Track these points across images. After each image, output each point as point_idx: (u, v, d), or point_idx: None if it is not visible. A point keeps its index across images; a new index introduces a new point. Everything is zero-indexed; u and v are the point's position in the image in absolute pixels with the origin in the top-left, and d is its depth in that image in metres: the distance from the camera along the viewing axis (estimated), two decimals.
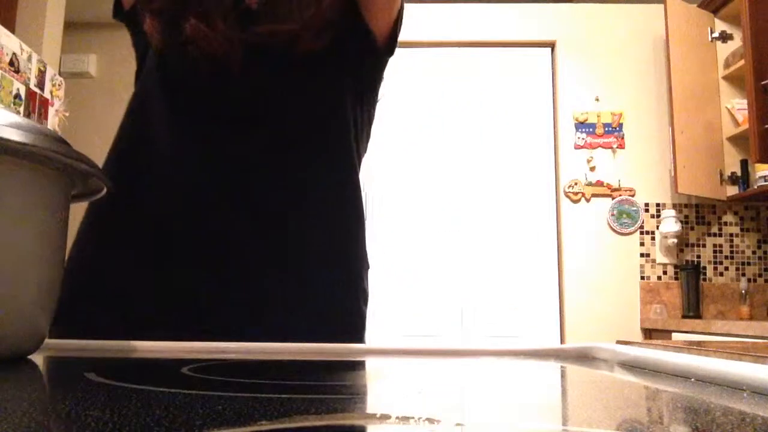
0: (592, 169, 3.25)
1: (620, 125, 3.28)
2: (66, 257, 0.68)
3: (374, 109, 0.82)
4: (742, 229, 3.21)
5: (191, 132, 0.70)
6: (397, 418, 0.19)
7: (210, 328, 0.62)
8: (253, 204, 0.68)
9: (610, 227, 3.21)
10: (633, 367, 0.40)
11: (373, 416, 0.19)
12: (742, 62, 2.87)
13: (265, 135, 0.70)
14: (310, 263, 0.69)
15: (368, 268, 0.76)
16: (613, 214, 3.21)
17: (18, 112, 2.21)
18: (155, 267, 0.67)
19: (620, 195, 3.23)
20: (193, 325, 0.63)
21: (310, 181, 0.71)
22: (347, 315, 0.72)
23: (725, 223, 3.22)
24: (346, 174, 0.74)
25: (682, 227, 3.16)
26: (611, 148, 3.27)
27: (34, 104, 2.35)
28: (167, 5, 0.71)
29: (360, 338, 0.72)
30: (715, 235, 3.21)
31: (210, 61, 0.69)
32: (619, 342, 0.57)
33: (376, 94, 0.82)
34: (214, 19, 0.69)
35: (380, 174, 3.22)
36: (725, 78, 3.16)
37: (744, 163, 3.09)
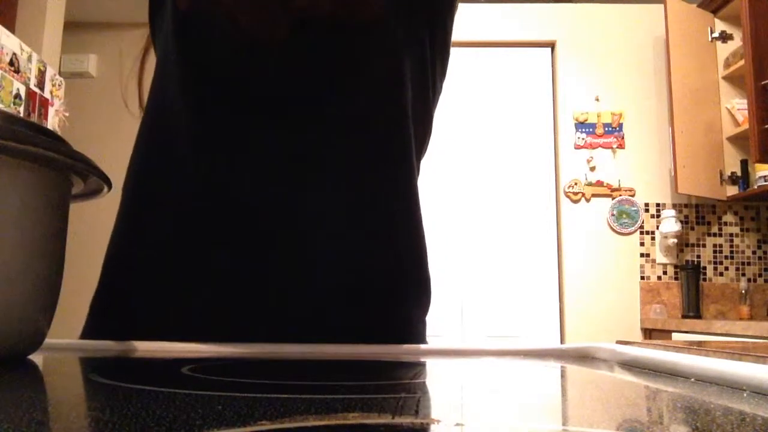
0: (592, 169, 3.25)
1: (620, 125, 3.28)
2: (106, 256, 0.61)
3: (438, 94, 0.68)
4: (742, 229, 3.21)
5: (220, 123, 0.58)
6: (397, 417, 0.19)
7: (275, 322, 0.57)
8: (298, 205, 0.57)
9: (610, 227, 3.21)
10: (633, 367, 0.40)
11: (373, 416, 0.19)
12: (742, 62, 2.87)
13: (311, 123, 0.58)
14: (364, 267, 0.60)
15: (428, 280, 0.64)
16: (613, 214, 3.21)
17: (18, 112, 2.21)
18: (201, 277, 0.58)
19: (620, 195, 3.23)
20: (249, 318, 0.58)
21: (363, 178, 0.59)
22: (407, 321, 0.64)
23: (725, 223, 3.22)
24: (405, 167, 0.61)
25: (682, 227, 3.17)
26: (611, 148, 3.27)
27: (34, 104, 2.35)
28: None
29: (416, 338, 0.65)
30: (715, 235, 3.21)
31: (245, 34, 0.55)
32: (619, 342, 0.57)
33: (444, 70, 0.67)
34: None
35: None
36: (725, 78, 3.17)
37: (744, 163, 3.09)
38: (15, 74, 2.22)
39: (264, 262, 0.57)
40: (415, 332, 0.64)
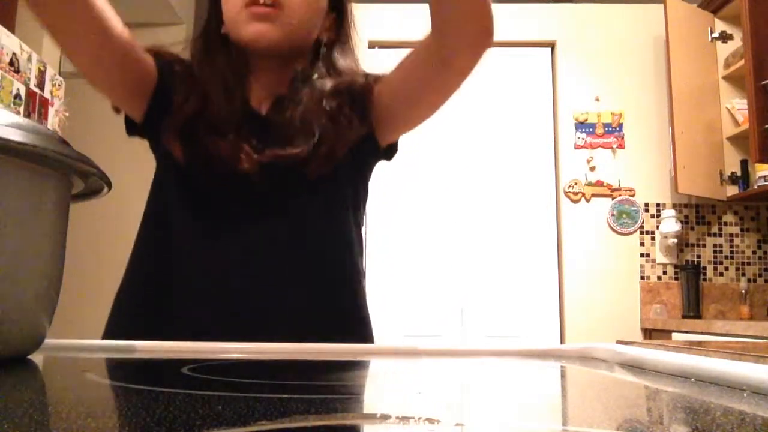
0: (592, 169, 3.25)
1: (620, 125, 3.28)
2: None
3: (364, 208, 0.98)
4: (742, 229, 3.21)
5: (213, 232, 0.81)
6: (397, 418, 0.19)
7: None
8: (271, 273, 0.81)
9: (610, 227, 3.21)
10: (633, 367, 0.40)
11: (373, 416, 0.19)
12: (742, 62, 2.87)
13: (277, 227, 0.82)
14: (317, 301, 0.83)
15: (367, 319, 0.89)
16: (613, 214, 3.21)
17: (18, 112, 2.21)
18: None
19: (620, 195, 3.23)
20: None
21: (318, 256, 0.84)
22: None
23: (725, 223, 3.22)
24: (347, 248, 0.87)
25: (682, 227, 3.16)
26: (611, 148, 3.27)
27: (34, 104, 2.35)
28: (179, 120, 0.80)
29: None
30: (715, 235, 3.21)
31: (233, 175, 0.79)
32: (619, 342, 0.57)
33: (367, 186, 0.99)
34: (226, 131, 0.79)
35: (380, 173, 3.21)
36: (725, 78, 3.16)
37: (744, 163, 3.09)
38: (15, 74, 2.22)
39: (236, 316, 0.78)
40: None
